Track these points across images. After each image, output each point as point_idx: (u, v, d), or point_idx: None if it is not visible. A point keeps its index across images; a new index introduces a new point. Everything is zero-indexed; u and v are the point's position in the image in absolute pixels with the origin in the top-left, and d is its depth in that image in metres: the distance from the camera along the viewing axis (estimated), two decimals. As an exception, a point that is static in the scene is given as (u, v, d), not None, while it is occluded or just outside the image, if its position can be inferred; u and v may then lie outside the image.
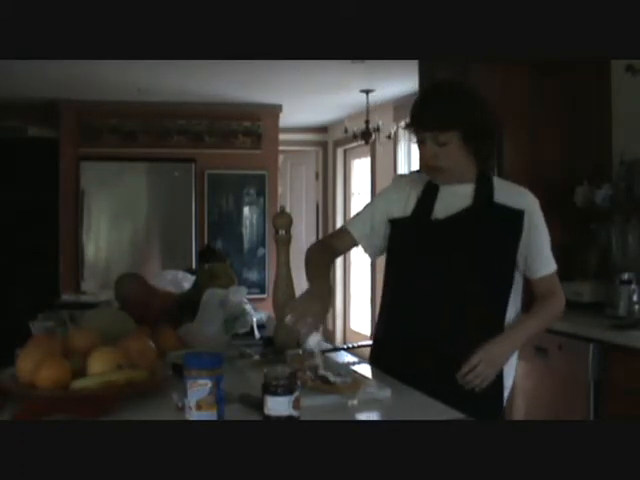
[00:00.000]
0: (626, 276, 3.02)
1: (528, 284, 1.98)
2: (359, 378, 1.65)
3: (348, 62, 4.92)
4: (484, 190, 1.91)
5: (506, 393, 1.96)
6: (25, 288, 6.23)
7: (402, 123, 6.49)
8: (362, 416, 1.48)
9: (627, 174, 3.20)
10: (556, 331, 2.95)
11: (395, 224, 1.97)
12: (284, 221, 2.07)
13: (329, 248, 2.08)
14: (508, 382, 1.96)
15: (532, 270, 1.94)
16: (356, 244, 2.05)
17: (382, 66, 5.14)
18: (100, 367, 1.49)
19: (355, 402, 1.52)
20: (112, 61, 4.51)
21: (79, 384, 1.46)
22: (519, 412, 3.17)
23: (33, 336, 2.04)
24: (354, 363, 1.97)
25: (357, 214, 2.09)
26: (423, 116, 1.87)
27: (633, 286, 3.00)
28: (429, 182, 1.95)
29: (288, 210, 2.20)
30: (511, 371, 1.97)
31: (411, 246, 1.94)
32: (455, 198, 1.91)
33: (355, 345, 2.42)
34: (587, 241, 3.41)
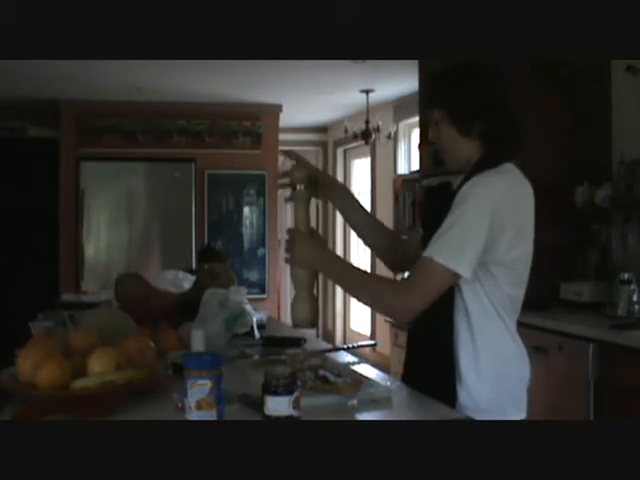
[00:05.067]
0: (626, 276, 3.02)
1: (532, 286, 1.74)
2: (359, 378, 1.65)
3: (348, 62, 4.92)
4: (466, 177, 1.69)
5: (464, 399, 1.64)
6: (25, 288, 6.23)
7: (403, 123, 6.50)
8: (362, 416, 1.48)
9: (627, 174, 3.21)
10: (556, 331, 2.96)
11: None
12: (302, 174, 1.74)
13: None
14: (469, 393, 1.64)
15: None
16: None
17: (382, 66, 5.14)
18: (100, 367, 1.49)
19: (355, 402, 1.52)
20: (112, 61, 4.51)
21: (79, 384, 1.45)
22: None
23: (33, 336, 2.04)
24: (354, 363, 1.97)
25: None
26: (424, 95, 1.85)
27: (633, 286, 3.00)
28: None
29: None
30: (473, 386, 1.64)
31: None
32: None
33: (355, 345, 2.42)
34: (587, 241, 3.41)
